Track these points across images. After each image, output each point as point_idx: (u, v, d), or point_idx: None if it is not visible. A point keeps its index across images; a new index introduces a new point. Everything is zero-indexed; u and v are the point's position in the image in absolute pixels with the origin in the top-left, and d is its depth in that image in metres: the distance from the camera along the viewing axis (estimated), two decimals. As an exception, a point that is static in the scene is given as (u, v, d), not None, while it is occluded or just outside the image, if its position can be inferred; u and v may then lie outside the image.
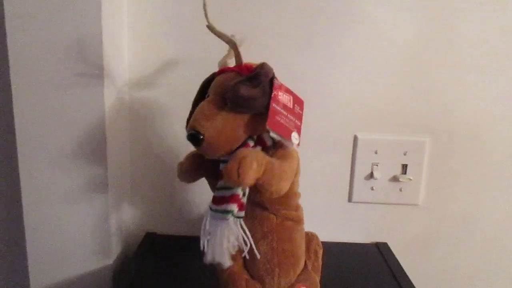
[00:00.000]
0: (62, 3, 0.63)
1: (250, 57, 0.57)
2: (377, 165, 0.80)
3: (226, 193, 0.52)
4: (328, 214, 0.83)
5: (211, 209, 0.54)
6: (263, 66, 0.51)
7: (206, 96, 0.55)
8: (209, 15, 0.52)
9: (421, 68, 0.78)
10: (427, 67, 0.78)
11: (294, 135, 0.52)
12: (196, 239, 0.79)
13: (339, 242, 0.82)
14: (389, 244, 0.83)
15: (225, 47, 0.59)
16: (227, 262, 0.53)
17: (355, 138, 0.80)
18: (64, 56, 0.65)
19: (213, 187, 0.57)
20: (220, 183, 0.53)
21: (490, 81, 0.78)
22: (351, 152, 0.81)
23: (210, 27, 0.53)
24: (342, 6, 0.75)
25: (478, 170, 0.82)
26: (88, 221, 0.71)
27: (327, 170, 0.81)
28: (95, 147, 0.69)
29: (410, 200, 0.82)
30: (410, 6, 0.75)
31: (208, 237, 0.54)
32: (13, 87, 0.66)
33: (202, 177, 0.59)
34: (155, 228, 0.84)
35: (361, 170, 0.81)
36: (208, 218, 0.54)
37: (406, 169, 0.80)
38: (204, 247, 0.55)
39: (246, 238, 0.54)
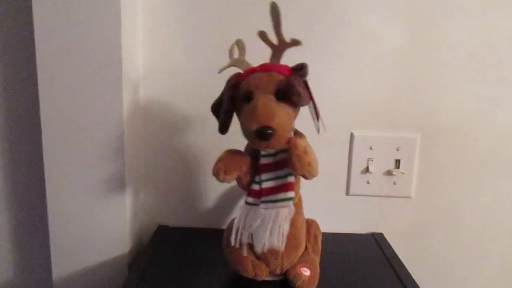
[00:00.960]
0: (86, 16, 0.68)
1: (252, 58, 0.62)
2: (372, 160, 0.84)
3: (279, 182, 0.58)
4: (327, 206, 0.86)
5: (264, 201, 0.58)
6: (307, 67, 0.57)
7: (245, 95, 0.58)
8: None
9: (411, 71, 0.82)
10: (417, 69, 0.82)
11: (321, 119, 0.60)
12: (206, 231, 0.84)
13: (338, 233, 0.85)
14: (384, 234, 0.86)
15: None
16: (282, 243, 0.58)
17: (352, 135, 0.84)
18: (87, 62, 0.70)
19: (247, 182, 0.61)
20: (268, 175, 0.59)
21: (474, 82, 0.82)
22: (348, 148, 0.84)
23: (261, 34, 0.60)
24: (338, 12, 0.79)
25: (465, 163, 0.85)
26: (106, 213, 0.75)
27: (325, 165, 0.84)
28: (113, 146, 0.73)
29: (403, 192, 0.86)
30: (400, 13, 0.79)
31: (260, 226, 0.58)
32: (40, 90, 0.71)
33: (241, 171, 0.60)
34: (167, 221, 0.87)
35: (357, 165, 0.84)
36: (259, 210, 0.58)
37: (399, 164, 0.84)
38: (247, 239, 0.60)
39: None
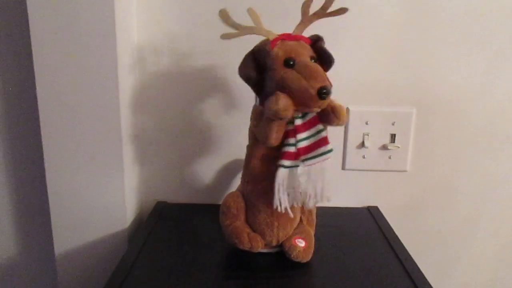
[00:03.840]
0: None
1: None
2: (367, 135, 0.85)
3: (316, 138, 0.60)
4: (323, 181, 0.88)
5: (305, 159, 0.60)
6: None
7: (288, 61, 0.58)
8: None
9: (407, 45, 0.82)
10: (413, 44, 0.81)
11: None
12: (203, 207, 0.85)
13: (334, 207, 0.86)
14: (379, 207, 0.87)
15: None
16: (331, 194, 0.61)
17: (347, 110, 0.84)
18: (81, 34, 0.69)
19: (280, 136, 0.60)
20: (303, 135, 0.60)
21: (470, 57, 0.82)
22: (343, 123, 0.86)
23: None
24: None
25: (460, 137, 0.86)
26: (105, 190, 0.76)
27: None
28: (110, 123, 0.73)
29: (399, 166, 0.87)
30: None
31: (307, 183, 0.60)
32: (35, 67, 0.71)
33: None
34: (166, 197, 0.89)
35: (353, 140, 0.85)
36: (303, 169, 0.60)
37: (394, 138, 0.85)
38: (292, 201, 0.61)
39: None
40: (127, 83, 0.76)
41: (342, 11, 0.62)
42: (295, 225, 0.66)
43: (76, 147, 0.75)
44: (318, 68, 0.57)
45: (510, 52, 0.82)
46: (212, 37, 0.79)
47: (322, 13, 0.62)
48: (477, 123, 0.86)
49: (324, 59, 0.61)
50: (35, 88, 0.72)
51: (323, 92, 0.54)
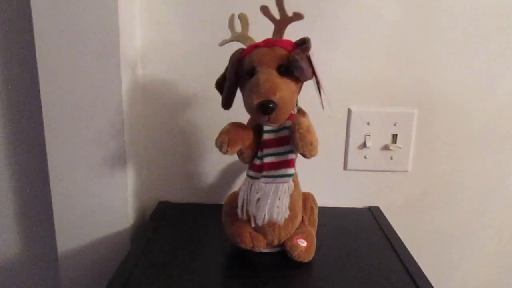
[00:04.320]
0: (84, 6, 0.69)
1: (255, 33, 0.63)
2: (369, 136, 0.85)
3: (281, 158, 0.59)
4: (325, 181, 0.88)
5: (264, 175, 0.60)
6: (309, 41, 0.57)
7: (248, 70, 0.58)
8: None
9: (408, 46, 0.82)
10: (414, 45, 0.82)
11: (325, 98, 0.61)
12: (206, 206, 0.86)
13: (335, 207, 0.87)
14: (381, 208, 0.87)
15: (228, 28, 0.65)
16: (282, 217, 0.60)
17: (349, 111, 0.84)
18: (85, 40, 0.70)
19: (249, 156, 0.62)
20: (270, 150, 0.60)
21: (471, 57, 0.82)
22: (345, 124, 0.85)
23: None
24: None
25: (461, 138, 0.86)
26: (109, 190, 0.77)
27: (323, 141, 0.81)
28: (114, 123, 0.74)
29: (400, 167, 0.87)
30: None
31: (260, 200, 0.60)
32: (39, 70, 0.72)
33: (244, 145, 0.61)
34: (168, 197, 0.89)
35: (355, 140, 0.85)
36: (259, 184, 0.60)
37: (396, 139, 0.85)
38: (249, 212, 0.62)
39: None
40: (130, 84, 0.77)
41: (297, 16, 0.58)
42: (296, 225, 0.66)
43: (79, 147, 0.75)
44: (266, 81, 0.55)
45: (511, 52, 0.82)
46: (213, 41, 0.79)
47: (286, 18, 0.59)
48: (479, 124, 0.86)
49: (289, 68, 0.57)
50: (39, 90, 0.73)
51: (263, 107, 0.53)
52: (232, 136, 0.58)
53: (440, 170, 0.88)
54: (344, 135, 0.86)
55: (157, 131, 0.86)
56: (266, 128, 0.61)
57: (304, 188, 0.69)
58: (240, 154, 0.62)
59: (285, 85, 0.56)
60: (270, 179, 0.60)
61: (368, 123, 0.85)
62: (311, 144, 0.55)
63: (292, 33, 0.60)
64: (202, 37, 0.82)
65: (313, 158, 0.85)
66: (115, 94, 0.73)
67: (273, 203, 0.59)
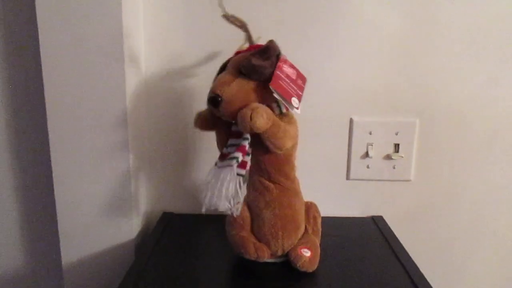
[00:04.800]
0: (88, 8, 0.70)
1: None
2: (371, 145, 0.85)
3: (237, 145, 0.60)
4: (327, 191, 0.88)
5: (216, 164, 0.61)
6: (271, 42, 0.60)
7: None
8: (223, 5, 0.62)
9: (410, 55, 0.82)
10: (415, 54, 0.82)
11: (294, 99, 0.60)
12: (210, 217, 0.86)
13: (338, 217, 0.86)
14: (384, 217, 0.87)
15: (234, 39, 0.66)
16: (224, 206, 0.60)
17: (351, 121, 0.85)
18: (89, 42, 0.71)
19: (220, 145, 0.65)
20: (231, 141, 0.62)
21: (472, 66, 0.83)
22: (347, 134, 0.86)
23: (226, 16, 0.63)
24: (335, 1, 0.80)
25: (464, 147, 0.86)
26: (113, 201, 0.77)
27: (326, 151, 0.86)
28: (118, 135, 0.74)
29: (403, 176, 0.87)
30: (397, -1, 0.80)
31: (205, 186, 0.61)
32: (44, 72, 0.72)
33: (214, 129, 0.66)
34: (172, 208, 0.89)
35: (357, 150, 0.86)
36: (212, 171, 0.61)
37: (398, 148, 0.85)
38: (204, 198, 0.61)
39: (240, 193, 0.60)
40: (134, 95, 0.77)
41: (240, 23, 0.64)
42: (300, 235, 0.67)
43: (84, 158, 0.76)
44: (220, 78, 0.60)
45: (512, 61, 0.83)
46: (218, 48, 0.81)
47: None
48: (480, 132, 0.86)
49: (243, 67, 0.59)
50: (44, 98, 0.73)
51: (211, 100, 0.58)
52: (202, 115, 0.65)
53: (442, 179, 0.88)
54: (346, 144, 0.86)
55: (161, 142, 0.87)
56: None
57: (307, 197, 0.70)
58: (217, 141, 0.67)
59: (236, 82, 0.59)
60: (217, 165, 0.61)
61: (370, 133, 0.85)
62: (251, 119, 0.55)
63: (292, 43, 0.61)
64: (205, 39, 0.82)
65: (316, 168, 0.86)
66: (120, 105, 0.73)
67: (219, 190, 0.59)
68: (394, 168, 0.86)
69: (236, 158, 0.59)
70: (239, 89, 0.59)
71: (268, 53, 0.59)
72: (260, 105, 0.58)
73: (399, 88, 0.84)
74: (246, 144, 0.60)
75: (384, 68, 0.83)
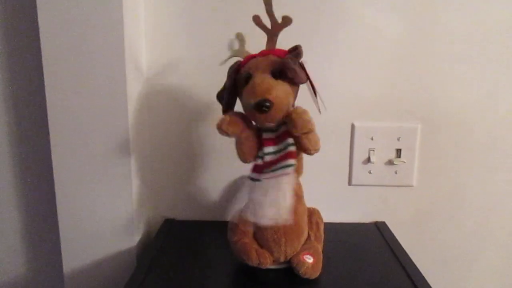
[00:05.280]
0: (89, 9, 0.70)
1: (256, 49, 0.65)
2: (373, 150, 0.85)
3: (281, 153, 0.60)
4: (330, 197, 0.88)
5: (265, 172, 0.60)
6: (301, 48, 0.60)
7: (245, 77, 0.61)
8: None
9: (411, 61, 0.82)
10: (417, 59, 0.82)
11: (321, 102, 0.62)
12: (211, 224, 0.86)
13: (341, 223, 0.86)
14: (387, 223, 0.87)
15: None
16: (285, 216, 0.59)
17: (353, 126, 0.85)
18: (91, 55, 0.71)
19: (248, 150, 0.62)
20: (267, 149, 0.61)
21: (474, 72, 0.83)
22: (349, 139, 0.86)
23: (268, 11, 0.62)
24: (336, 8, 0.80)
25: (465, 152, 0.86)
26: (114, 208, 0.77)
27: (328, 156, 0.85)
28: (119, 141, 0.74)
29: (405, 181, 0.87)
30: (400, 3, 0.80)
31: (262, 197, 0.59)
32: (46, 86, 0.72)
33: (242, 135, 0.62)
34: (173, 214, 0.89)
35: (359, 155, 0.85)
36: (262, 182, 0.60)
37: (400, 153, 0.85)
38: (255, 212, 0.60)
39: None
40: (135, 101, 0.78)
41: (287, 20, 0.62)
42: (302, 241, 0.66)
43: (85, 165, 0.76)
44: (262, 82, 0.58)
45: (514, 66, 0.83)
46: (216, 58, 0.80)
47: (274, 25, 0.63)
48: (482, 137, 0.86)
49: (283, 70, 0.59)
50: (46, 105, 0.73)
51: (260, 105, 0.56)
52: (233, 118, 0.60)
53: (445, 184, 0.88)
54: (348, 150, 0.86)
55: (162, 149, 0.87)
56: (272, 125, 0.61)
57: (309, 203, 0.69)
58: (239, 147, 0.62)
59: (279, 86, 0.59)
60: (270, 174, 0.60)
61: (372, 138, 0.85)
62: (309, 122, 0.56)
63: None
64: (206, 52, 0.82)
65: (317, 174, 0.86)
66: (121, 112, 0.73)
67: (277, 199, 0.59)
68: (396, 173, 0.86)
69: (293, 164, 0.58)
70: (283, 92, 0.59)
71: (300, 57, 0.60)
72: (305, 110, 0.59)
73: (401, 93, 0.84)
74: (294, 148, 0.59)
75: (386, 74, 0.83)
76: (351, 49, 0.82)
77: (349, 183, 0.88)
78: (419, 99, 0.84)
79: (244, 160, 0.63)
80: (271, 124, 0.60)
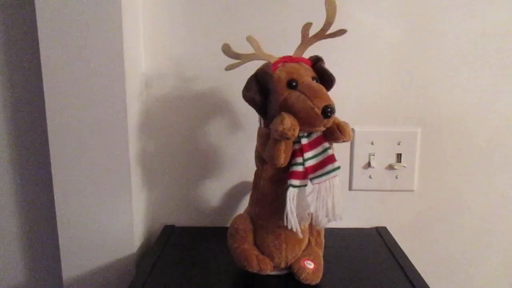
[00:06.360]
0: (88, 16, 0.70)
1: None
2: (373, 155, 0.85)
3: (321, 158, 0.61)
4: (330, 202, 0.88)
5: (313, 177, 0.60)
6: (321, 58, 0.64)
7: (291, 83, 0.60)
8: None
9: (411, 66, 0.83)
10: (416, 64, 0.82)
11: None
12: (211, 230, 0.85)
13: (342, 228, 0.85)
14: (388, 228, 0.87)
15: (234, 43, 0.66)
16: (340, 216, 0.61)
17: (353, 131, 0.83)
18: (90, 62, 0.71)
19: (285, 157, 0.60)
20: (310, 154, 0.61)
21: (473, 75, 0.83)
22: (349, 144, 0.85)
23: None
24: (337, 14, 0.79)
25: (466, 156, 0.86)
26: (113, 215, 0.77)
27: None
28: (118, 148, 0.74)
29: (406, 186, 0.86)
30: (398, 6, 0.80)
31: (317, 201, 0.60)
32: (45, 93, 0.72)
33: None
34: (173, 221, 0.89)
35: (359, 160, 0.85)
36: (311, 187, 0.60)
37: (400, 158, 0.85)
38: (304, 220, 0.61)
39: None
40: (135, 107, 0.78)
41: (340, 32, 0.63)
42: (303, 247, 0.66)
43: (84, 172, 0.75)
44: (321, 87, 0.59)
45: (514, 70, 0.83)
46: (216, 61, 0.81)
47: (322, 34, 0.63)
48: (483, 141, 0.86)
49: (325, 79, 0.63)
50: (45, 112, 0.73)
51: (328, 111, 0.56)
52: (293, 121, 0.57)
53: (446, 188, 0.88)
54: (348, 155, 0.86)
55: (161, 155, 0.87)
56: (301, 134, 0.60)
57: (310, 209, 0.69)
58: (286, 149, 0.60)
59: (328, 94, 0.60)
60: (322, 178, 0.60)
61: (372, 143, 0.85)
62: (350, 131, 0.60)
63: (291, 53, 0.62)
64: (205, 62, 0.82)
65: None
66: (121, 117, 0.73)
67: (335, 199, 0.60)
68: (396, 178, 0.86)
69: (339, 167, 0.60)
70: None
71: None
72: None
73: (400, 98, 0.84)
74: (333, 151, 0.61)
75: (385, 78, 0.83)
76: (351, 54, 0.82)
77: (350, 188, 0.87)
78: (419, 103, 0.84)
79: (280, 164, 0.60)
80: (322, 129, 0.60)
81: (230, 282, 0.66)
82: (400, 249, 0.78)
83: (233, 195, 0.88)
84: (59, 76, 0.72)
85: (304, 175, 0.60)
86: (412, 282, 0.65)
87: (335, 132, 0.59)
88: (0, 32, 0.80)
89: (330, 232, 0.73)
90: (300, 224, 0.60)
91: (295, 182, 0.60)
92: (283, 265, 0.65)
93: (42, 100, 0.73)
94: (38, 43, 0.71)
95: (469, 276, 0.91)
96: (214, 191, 0.88)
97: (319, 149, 0.61)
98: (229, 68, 0.65)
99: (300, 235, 0.61)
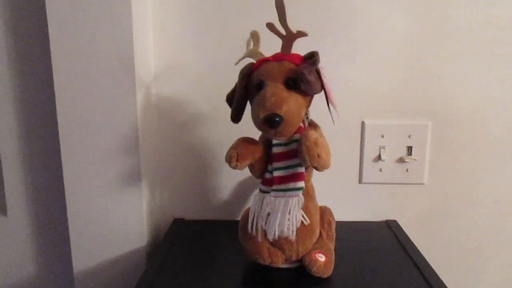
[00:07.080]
0: (98, 15, 0.70)
1: (268, 50, 0.63)
2: (384, 148, 0.84)
3: (290, 171, 0.59)
4: (340, 195, 0.87)
5: (274, 189, 0.60)
6: (318, 55, 0.57)
7: (256, 84, 0.59)
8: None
9: (422, 58, 0.82)
10: (428, 56, 0.82)
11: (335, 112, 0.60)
12: (221, 223, 0.85)
13: (352, 221, 0.86)
14: (398, 221, 0.86)
15: (239, 49, 0.66)
16: (289, 233, 0.59)
17: (363, 124, 0.84)
18: (100, 61, 0.72)
19: (260, 170, 0.62)
20: (277, 164, 0.60)
21: (486, 69, 0.82)
22: (359, 137, 0.85)
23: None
24: (346, 5, 0.80)
25: (477, 149, 0.85)
26: (123, 208, 0.77)
27: (338, 154, 0.84)
28: (129, 142, 0.75)
29: (416, 179, 0.86)
30: (408, 1, 0.80)
31: (270, 214, 0.59)
32: (56, 92, 0.73)
33: (253, 161, 0.61)
34: (183, 214, 0.89)
35: (370, 153, 0.85)
36: (270, 198, 0.60)
37: (411, 151, 0.84)
38: (261, 226, 0.61)
39: (304, 215, 0.61)
40: (144, 102, 0.78)
41: (303, 34, 0.57)
42: (314, 240, 0.66)
43: (94, 166, 0.76)
44: (272, 94, 0.55)
45: (526, 62, 0.82)
46: (224, 61, 0.81)
47: (292, 34, 0.58)
48: (494, 134, 0.85)
49: (296, 82, 0.57)
50: (55, 108, 0.74)
51: (269, 120, 0.54)
52: (241, 151, 0.59)
53: (456, 181, 0.87)
54: (359, 148, 0.86)
55: (171, 149, 0.87)
56: (275, 141, 0.61)
57: (320, 202, 0.69)
58: (251, 168, 0.63)
59: (292, 99, 0.56)
60: (280, 193, 0.60)
61: (382, 136, 0.84)
62: (319, 157, 0.54)
63: (304, 47, 0.61)
64: (213, 56, 0.83)
65: (327, 172, 0.84)
66: (130, 114, 0.74)
67: (284, 217, 0.59)
68: (407, 171, 0.85)
69: (302, 188, 0.59)
70: (295, 106, 0.56)
71: (317, 65, 0.57)
72: (315, 132, 0.58)
73: (411, 91, 0.84)
74: (303, 169, 0.59)
75: (396, 71, 0.83)
76: (361, 47, 0.82)
77: (360, 181, 0.87)
78: (429, 96, 0.84)
79: (257, 178, 0.64)
80: (282, 139, 0.59)
81: (241, 275, 0.66)
82: (411, 242, 0.77)
83: (244, 188, 0.88)
84: (69, 74, 0.72)
85: (270, 183, 0.61)
86: (424, 274, 0.65)
87: (299, 154, 0.56)
88: (10, 29, 0.81)
89: (340, 225, 0.73)
90: (258, 228, 0.61)
91: (262, 187, 0.62)
92: (294, 258, 0.64)
93: (52, 96, 0.74)
94: (49, 45, 0.72)
95: (480, 269, 0.91)
96: (224, 184, 0.88)
97: (290, 162, 0.60)
98: (237, 62, 0.66)
99: (260, 239, 0.62)
